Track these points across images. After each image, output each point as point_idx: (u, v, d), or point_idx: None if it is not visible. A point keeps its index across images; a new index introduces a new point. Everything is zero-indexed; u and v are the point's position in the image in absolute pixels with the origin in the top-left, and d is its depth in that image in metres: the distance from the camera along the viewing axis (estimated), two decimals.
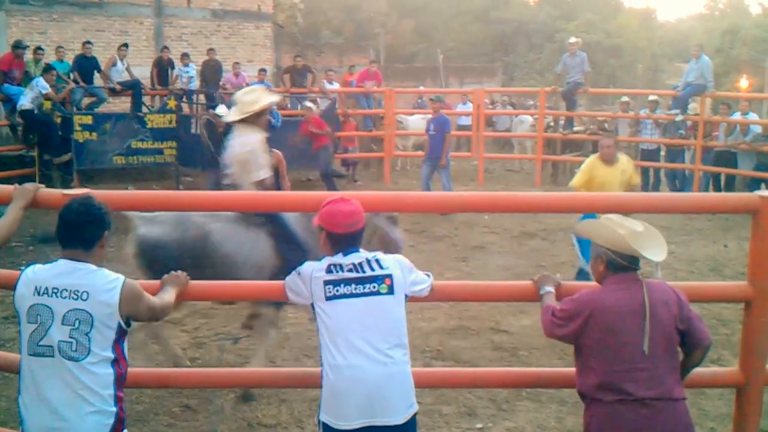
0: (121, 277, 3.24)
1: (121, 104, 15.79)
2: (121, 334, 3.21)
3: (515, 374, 4.57)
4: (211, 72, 16.34)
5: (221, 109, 11.45)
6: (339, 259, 3.40)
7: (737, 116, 13.78)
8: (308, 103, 14.12)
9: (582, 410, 3.50)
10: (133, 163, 13.68)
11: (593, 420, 3.37)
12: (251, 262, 5.53)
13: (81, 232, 3.23)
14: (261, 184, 5.56)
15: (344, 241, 3.43)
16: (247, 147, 5.65)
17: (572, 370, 3.60)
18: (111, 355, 3.17)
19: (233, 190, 5.57)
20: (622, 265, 3.41)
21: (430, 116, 13.28)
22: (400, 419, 3.28)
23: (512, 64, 38.22)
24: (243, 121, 5.73)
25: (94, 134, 13.20)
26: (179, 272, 3.75)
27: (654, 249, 3.42)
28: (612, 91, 20.01)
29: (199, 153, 13.45)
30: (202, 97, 15.15)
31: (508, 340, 6.81)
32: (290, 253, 5.42)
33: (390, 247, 5.58)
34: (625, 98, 15.46)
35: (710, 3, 59.05)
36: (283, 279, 3.64)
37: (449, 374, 4.63)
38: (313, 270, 3.42)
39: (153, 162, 13.87)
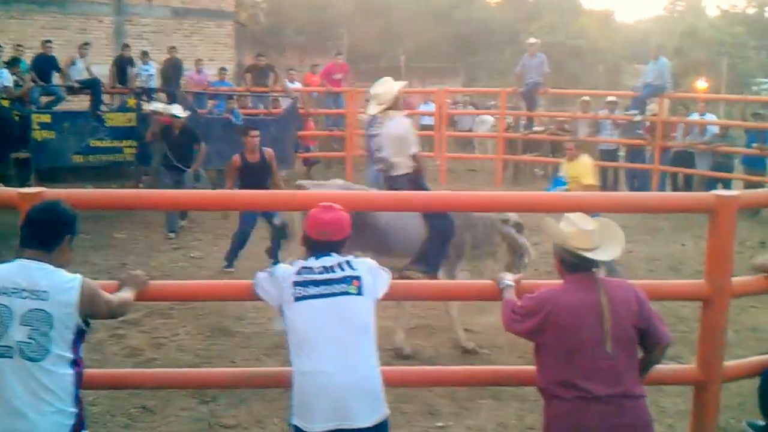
0: (79, 277, 3.21)
1: (80, 103, 15.52)
2: (79, 334, 3.19)
3: (476, 372, 4.58)
4: (172, 70, 16.15)
5: (176, 109, 11.19)
6: (311, 262, 3.41)
7: (695, 117, 13.99)
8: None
9: (542, 408, 3.50)
10: (92, 162, 13.43)
11: (553, 417, 3.39)
12: (406, 228, 6.29)
13: (42, 233, 3.20)
14: (416, 157, 6.76)
15: (319, 246, 3.45)
16: (403, 125, 6.80)
17: (533, 367, 3.61)
18: (70, 355, 3.14)
19: (386, 173, 6.76)
20: (573, 263, 3.44)
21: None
22: (369, 422, 3.26)
23: (474, 65, 38.42)
24: (386, 109, 6.74)
25: (53, 133, 12.91)
26: (138, 272, 3.71)
27: (604, 249, 3.44)
28: (572, 92, 20.16)
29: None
30: (163, 96, 14.97)
31: (471, 338, 6.81)
32: (436, 220, 6.26)
33: (518, 251, 6.67)
34: (585, 98, 15.61)
35: (669, 5, 59.94)
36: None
37: (411, 373, 4.62)
38: (286, 272, 3.42)
39: (112, 161, 13.61)
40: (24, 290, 3.09)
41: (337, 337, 3.28)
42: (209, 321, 7.19)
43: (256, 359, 6.29)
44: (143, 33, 20.70)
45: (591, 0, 52.32)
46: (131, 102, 13.92)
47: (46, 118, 13.03)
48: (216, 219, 10.58)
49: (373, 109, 6.81)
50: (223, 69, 17.02)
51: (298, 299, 3.33)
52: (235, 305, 7.32)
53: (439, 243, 6.36)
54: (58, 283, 3.13)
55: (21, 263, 3.16)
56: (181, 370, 5.25)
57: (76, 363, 3.17)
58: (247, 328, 7.02)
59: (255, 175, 8.65)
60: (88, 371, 3.55)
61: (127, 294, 3.54)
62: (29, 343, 3.05)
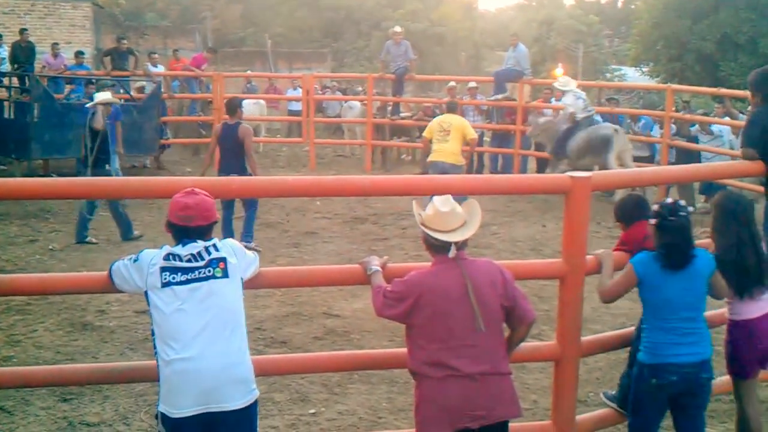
0: None
1: None
2: None
3: (347, 357, 4.58)
4: (24, 54, 15.29)
5: (103, 95, 9.69)
6: (178, 249, 3.34)
7: (554, 103, 14.52)
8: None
9: (412, 389, 3.56)
10: None
11: (424, 396, 3.45)
12: None
13: None
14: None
15: (182, 232, 3.38)
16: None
17: (402, 350, 3.66)
18: None
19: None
20: (436, 245, 3.51)
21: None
22: (238, 405, 3.26)
23: (341, 51, 38.48)
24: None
25: None
26: None
27: (460, 230, 3.51)
28: (437, 78, 20.54)
29: (14, 139, 12.59)
30: (15, 80, 14.16)
31: (341, 324, 6.85)
32: None
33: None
34: (452, 83, 15.90)
35: None
36: None
37: (281, 360, 4.58)
38: (152, 258, 3.33)
39: None
40: None
41: (204, 323, 3.25)
42: (69, 316, 6.89)
43: (120, 354, 6.09)
44: None
45: None
46: None
47: None
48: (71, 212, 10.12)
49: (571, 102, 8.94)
50: (80, 53, 16.28)
51: (164, 285, 3.27)
52: (96, 298, 7.06)
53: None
54: None
55: None
56: (39, 368, 4.98)
57: None
58: (111, 321, 6.77)
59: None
60: None
61: None
62: None
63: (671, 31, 30.32)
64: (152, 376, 3.42)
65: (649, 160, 13.20)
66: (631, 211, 4.46)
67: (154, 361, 3.33)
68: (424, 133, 10.38)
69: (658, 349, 3.94)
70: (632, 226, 4.40)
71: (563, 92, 12.86)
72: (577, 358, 4.21)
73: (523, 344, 3.76)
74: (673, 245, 3.87)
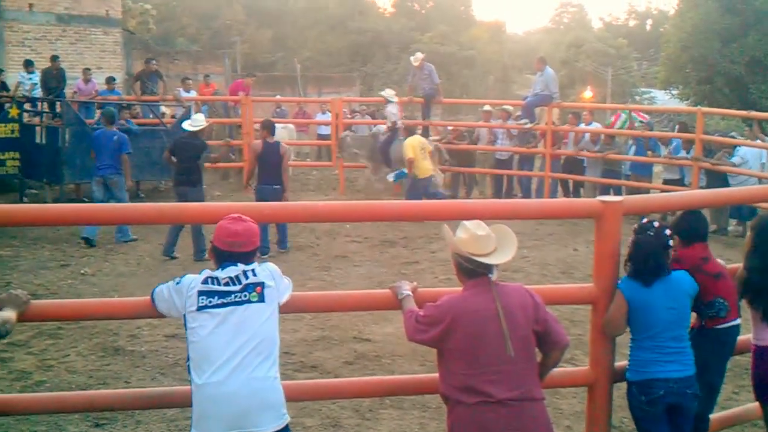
0: None
1: None
2: None
3: (378, 382, 4.56)
4: (55, 80, 15.53)
5: (198, 119, 10.37)
6: (218, 273, 3.38)
7: (582, 126, 14.45)
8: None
9: (444, 415, 3.53)
10: None
11: (456, 422, 3.41)
12: None
13: None
14: None
15: (226, 257, 3.42)
16: None
17: (434, 375, 3.64)
18: None
19: None
20: (470, 269, 3.50)
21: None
22: (268, 430, 3.26)
23: (370, 74, 38.72)
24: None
25: None
26: (19, 291, 3.52)
27: (498, 254, 3.51)
28: (465, 102, 20.58)
29: (45, 164, 12.79)
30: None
31: (371, 348, 6.83)
32: None
33: None
34: (487, 107, 15.88)
35: (555, 17, 61.99)
36: None
37: (312, 386, 4.57)
38: (192, 281, 3.38)
39: None
40: None
41: (237, 346, 3.26)
42: (101, 340, 6.94)
43: (151, 378, 6.11)
44: (25, 40, 19.89)
45: (482, 11, 53.59)
46: (14, 112, 13.33)
47: None
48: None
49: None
50: (111, 79, 16.53)
51: (200, 308, 3.30)
52: (128, 323, 7.10)
53: None
54: None
55: None
56: (72, 393, 5.03)
57: None
58: (142, 346, 6.81)
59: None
60: None
61: (7, 314, 3.35)
62: None
63: (700, 53, 30.18)
64: (186, 402, 3.43)
65: (680, 182, 13.08)
66: (695, 229, 4.39)
67: (188, 387, 3.34)
68: (410, 154, 12.12)
69: (643, 366, 4.01)
70: (691, 246, 4.33)
71: (387, 102, 14.28)
72: (610, 383, 4.17)
73: (556, 369, 3.73)
74: (638, 258, 3.99)
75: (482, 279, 3.48)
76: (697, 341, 4.15)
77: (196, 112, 13.04)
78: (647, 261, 3.98)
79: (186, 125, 10.39)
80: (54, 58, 15.95)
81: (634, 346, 4.07)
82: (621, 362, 4.28)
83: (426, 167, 12.12)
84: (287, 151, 10.33)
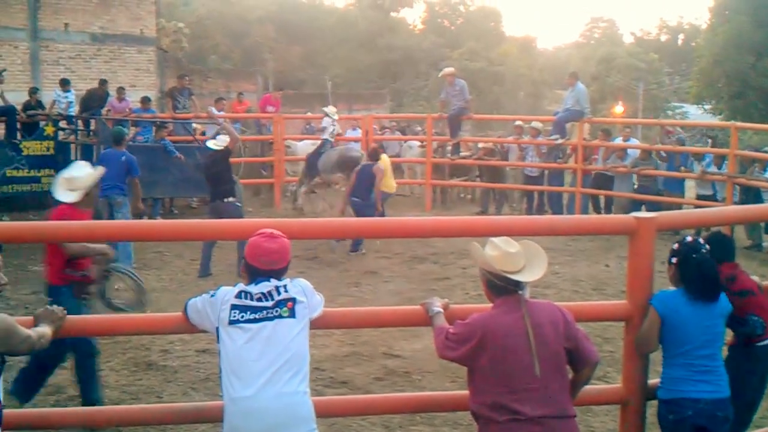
0: None
1: None
2: None
3: (408, 399, 4.56)
4: (98, 102, 15.72)
5: (222, 138, 10.42)
6: (251, 288, 3.41)
7: (619, 141, 14.35)
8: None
9: None
10: (7, 192, 13.02)
11: None
12: None
13: None
14: None
15: (260, 274, 3.45)
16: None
17: (465, 392, 3.62)
18: None
19: None
20: (500, 286, 3.49)
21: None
22: None
23: (400, 91, 38.84)
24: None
25: None
26: (54, 307, 3.58)
27: (528, 270, 3.50)
28: (495, 117, 20.56)
29: None
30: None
31: (401, 364, 6.81)
32: None
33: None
34: (518, 122, 15.85)
35: (586, 32, 61.81)
36: None
37: (342, 402, 4.58)
38: (226, 294, 3.41)
39: (29, 191, 13.20)
40: None
41: (268, 361, 3.28)
42: (134, 355, 7.00)
43: (183, 393, 6.15)
44: (60, 59, 20.25)
45: (512, 27, 53.70)
46: (49, 130, 13.55)
47: None
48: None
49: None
50: (146, 98, 16.74)
51: (232, 322, 3.33)
52: (160, 338, 7.15)
53: None
54: None
55: None
56: (105, 408, 5.08)
57: None
58: (174, 361, 6.85)
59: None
60: (7, 412, 3.41)
61: (43, 329, 3.41)
62: None
63: (733, 68, 29.92)
64: (218, 417, 3.45)
65: (712, 198, 12.92)
66: (723, 250, 4.35)
67: (220, 402, 3.37)
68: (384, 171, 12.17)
69: (673, 384, 3.95)
70: (720, 266, 4.28)
71: (325, 115, 14.20)
72: (643, 401, 4.12)
73: (588, 386, 3.70)
74: (701, 277, 3.91)
75: (512, 296, 3.47)
76: (734, 359, 4.10)
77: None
78: (708, 279, 3.93)
79: (210, 144, 10.44)
80: (102, 82, 16.15)
81: (666, 364, 4.02)
82: (654, 380, 4.23)
83: (392, 184, 12.49)
84: (380, 170, 11.56)
